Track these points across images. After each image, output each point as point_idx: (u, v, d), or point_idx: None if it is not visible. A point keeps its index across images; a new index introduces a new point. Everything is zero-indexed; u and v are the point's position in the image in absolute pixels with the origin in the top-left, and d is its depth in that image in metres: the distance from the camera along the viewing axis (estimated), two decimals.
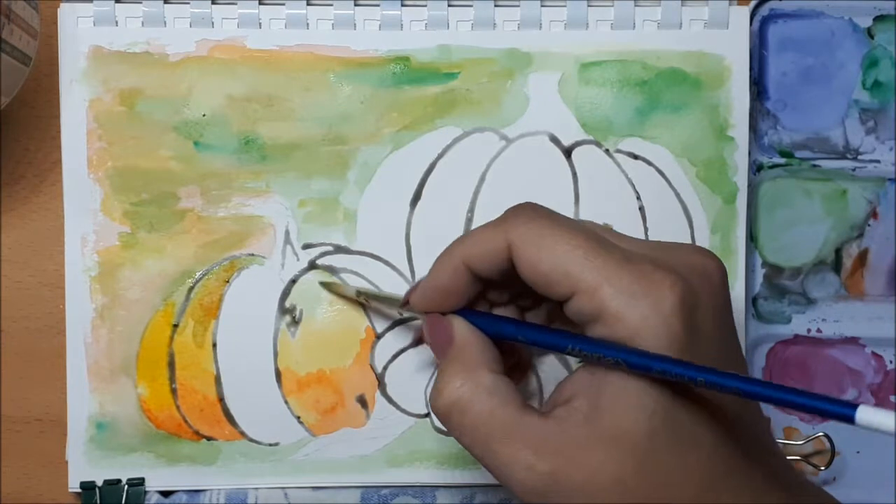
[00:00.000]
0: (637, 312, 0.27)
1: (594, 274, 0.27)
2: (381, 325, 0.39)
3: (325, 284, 0.39)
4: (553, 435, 0.27)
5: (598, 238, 0.28)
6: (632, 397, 0.27)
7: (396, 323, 0.39)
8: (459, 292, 0.31)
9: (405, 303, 0.33)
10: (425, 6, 0.39)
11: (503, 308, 0.33)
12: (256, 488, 0.39)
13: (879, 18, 0.40)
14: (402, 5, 0.39)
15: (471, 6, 0.39)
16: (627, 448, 0.27)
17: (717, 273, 0.29)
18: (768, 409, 0.41)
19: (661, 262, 0.28)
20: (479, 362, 0.30)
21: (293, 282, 0.39)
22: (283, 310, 0.39)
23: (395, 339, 0.39)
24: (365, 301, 0.38)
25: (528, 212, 0.29)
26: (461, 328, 0.31)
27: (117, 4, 0.38)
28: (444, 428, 0.39)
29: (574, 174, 0.39)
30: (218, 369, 0.39)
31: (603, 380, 0.27)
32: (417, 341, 0.38)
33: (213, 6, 0.38)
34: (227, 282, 0.39)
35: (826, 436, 0.40)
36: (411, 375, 0.39)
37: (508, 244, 0.29)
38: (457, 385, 0.29)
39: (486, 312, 0.32)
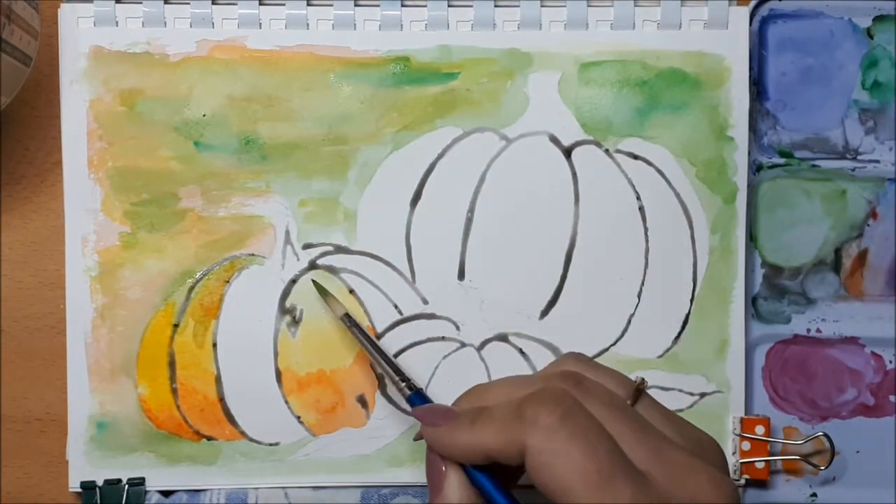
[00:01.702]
0: None
1: (601, 496, 0.27)
2: (381, 325, 0.39)
3: (318, 286, 0.38)
4: None
5: (614, 460, 0.27)
6: None
7: (397, 323, 0.39)
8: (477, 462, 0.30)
9: (409, 402, 0.34)
10: (425, 6, 0.39)
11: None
12: (257, 488, 0.39)
13: (879, 18, 0.41)
14: (402, 5, 0.39)
15: (471, 6, 0.39)
16: None
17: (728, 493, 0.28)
18: (768, 409, 0.41)
19: (685, 486, 0.27)
20: None
21: (293, 282, 0.39)
22: (284, 310, 0.39)
23: (396, 339, 0.39)
24: (346, 325, 0.37)
25: (547, 415, 0.28)
26: (453, 486, 0.31)
27: (117, 5, 0.38)
28: None
29: (574, 174, 0.39)
30: (218, 369, 0.39)
31: None
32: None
33: (214, 6, 0.38)
34: (228, 282, 0.39)
35: (826, 436, 0.40)
36: (411, 375, 0.39)
37: (520, 449, 0.28)
38: None
39: (487, 476, 0.31)
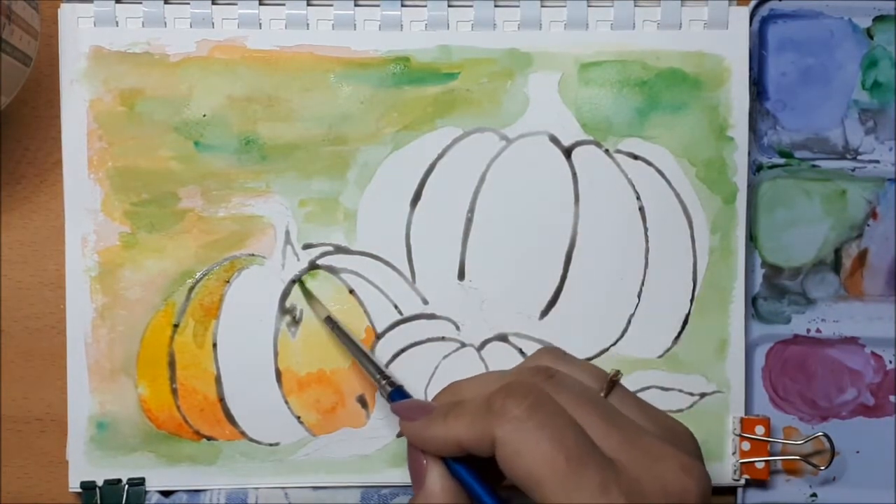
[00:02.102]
0: None
1: (568, 488, 0.27)
2: (381, 325, 0.39)
3: (303, 288, 0.39)
4: None
5: (582, 448, 0.27)
6: None
7: (397, 323, 0.39)
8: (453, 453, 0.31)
9: (390, 399, 0.34)
10: (425, 6, 0.39)
11: None
12: (257, 488, 0.39)
13: (879, 19, 0.41)
14: (402, 5, 0.39)
15: (471, 6, 0.39)
16: None
17: (696, 499, 0.28)
18: (768, 409, 0.41)
19: (639, 493, 0.27)
20: None
21: (293, 282, 0.39)
22: (284, 310, 0.39)
23: (396, 339, 0.39)
24: (329, 327, 0.38)
25: (519, 401, 0.28)
26: (434, 478, 0.31)
27: (118, 5, 0.38)
28: None
29: (574, 174, 0.39)
30: (218, 369, 0.39)
31: None
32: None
33: (214, 6, 0.38)
34: (228, 282, 0.39)
35: (826, 436, 0.40)
36: (411, 375, 0.39)
37: (491, 441, 0.28)
38: None
39: (466, 468, 0.31)
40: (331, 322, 0.38)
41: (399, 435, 0.33)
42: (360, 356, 0.37)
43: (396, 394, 0.34)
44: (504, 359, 0.39)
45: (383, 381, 0.35)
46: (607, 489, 0.27)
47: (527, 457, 0.27)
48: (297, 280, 0.39)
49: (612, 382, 0.31)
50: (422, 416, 0.31)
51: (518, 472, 0.28)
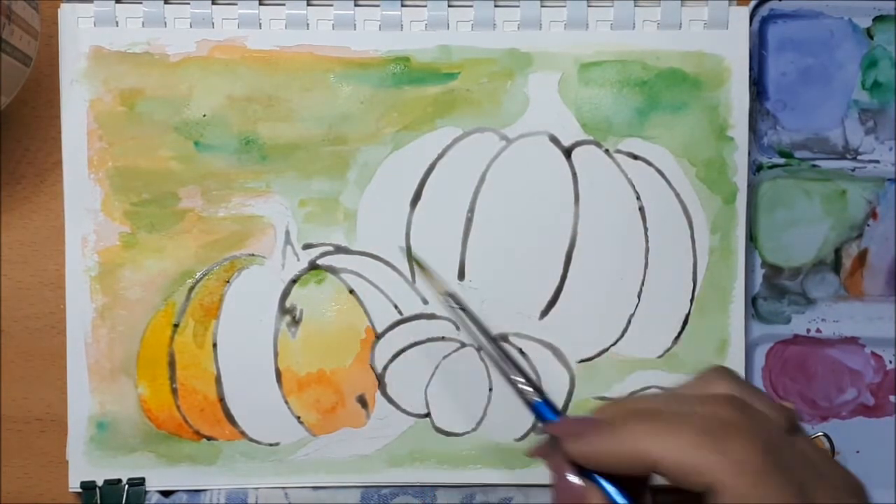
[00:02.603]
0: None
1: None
2: (381, 325, 0.39)
3: (418, 262, 0.38)
4: None
5: None
6: None
7: (397, 323, 0.39)
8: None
9: (536, 409, 0.30)
10: (425, 6, 0.39)
11: None
12: (257, 488, 0.39)
13: (879, 19, 0.41)
14: (402, 5, 0.39)
15: (471, 6, 0.39)
16: None
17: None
18: None
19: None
20: None
21: (293, 282, 0.39)
22: (284, 310, 0.39)
23: (396, 339, 0.39)
24: (450, 304, 0.35)
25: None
26: (596, 498, 0.28)
27: (118, 5, 0.38)
28: (444, 428, 0.39)
29: (574, 174, 0.39)
30: (218, 369, 0.39)
31: None
32: (534, 453, 0.31)
33: (214, 7, 0.38)
34: (228, 282, 0.39)
35: (826, 435, 0.40)
36: (411, 375, 0.39)
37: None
38: None
39: (623, 491, 0.28)
40: (453, 298, 0.35)
41: (533, 454, 0.30)
42: (495, 349, 0.33)
43: (543, 406, 0.31)
44: None
45: (528, 388, 0.31)
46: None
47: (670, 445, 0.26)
48: (414, 258, 0.37)
49: (795, 421, 0.29)
50: (587, 428, 0.28)
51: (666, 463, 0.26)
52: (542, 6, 0.39)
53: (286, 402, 0.39)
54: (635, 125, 0.39)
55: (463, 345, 0.39)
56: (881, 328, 0.41)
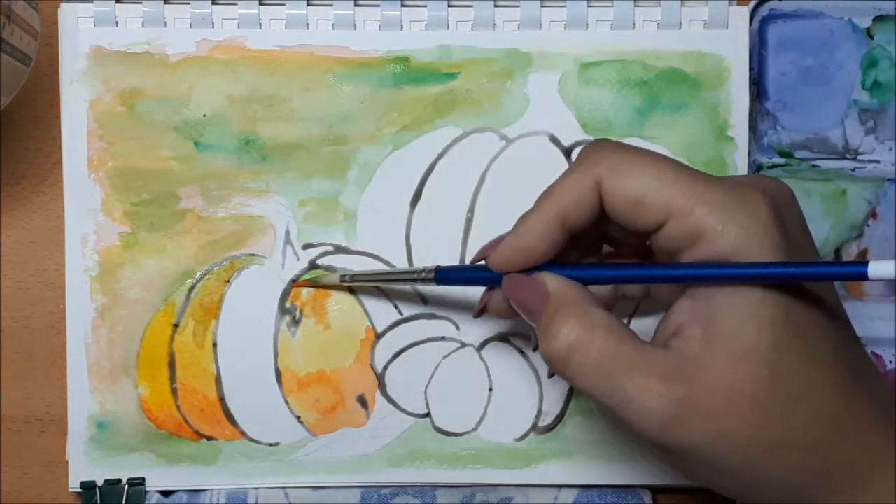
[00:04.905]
0: (736, 225, 0.27)
1: (687, 194, 0.27)
2: (381, 325, 0.39)
3: (310, 283, 0.39)
4: (678, 363, 0.27)
5: (679, 163, 0.28)
6: (748, 312, 0.27)
7: (397, 323, 0.39)
8: (547, 251, 0.30)
9: (478, 259, 0.33)
10: (425, 6, 0.39)
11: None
12: (257, 488, 0.39)
13: (879, 19, 0.41)
14: (402, 5, 0.39)
15: (471, 6, 0.39)
16: (756, 363, 0.26)
17: (789, 191, 0.29)
18: None
19: (743, 181, 0.28)
20: (586, 303, 0.29)
21: (293, 282, 0.39)
22: (284, 310, 0.39)
23: (396, 339, 0.39)
24: (349, 282, 0.38)
25: (608, 146, 0.29)
26: (554, 281, 0.30)
27: (117, 5, 0.38)
28: (444, 428, 0.39)
29: None
30: (218, 369, 0.39)
31: (711, 303, 0.27)
32: (481, 311, 0.35)
33: (214, 6, 0.38)
34: (228, 282, 0.39)
35: None
36: (411, 375, 0.39)
37: (596, 180, 0.29)
38: (570, 327, 0.28)
39: (571, 263, 0.31)
40: (348, 278, 0.38)
41: (479, 313, 0.34)
42: (391, 279, 0.37)
43: (441, 271, 0.34)
44: (504, 359, 0.39)
45: (422, 273, 0.35)
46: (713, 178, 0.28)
47: (636, 175, 0.28)
48: (307, 281, 0.39)
49: None
50: (496, 243, 0.31)
51: (633, 192, 0.28)
52: (542, 6, 0.39)
53: (286, 402, 0.39)
54: (635, 125, 0.39)
55: (463, 345, 0.39)
56: (881, 328, 0.41)
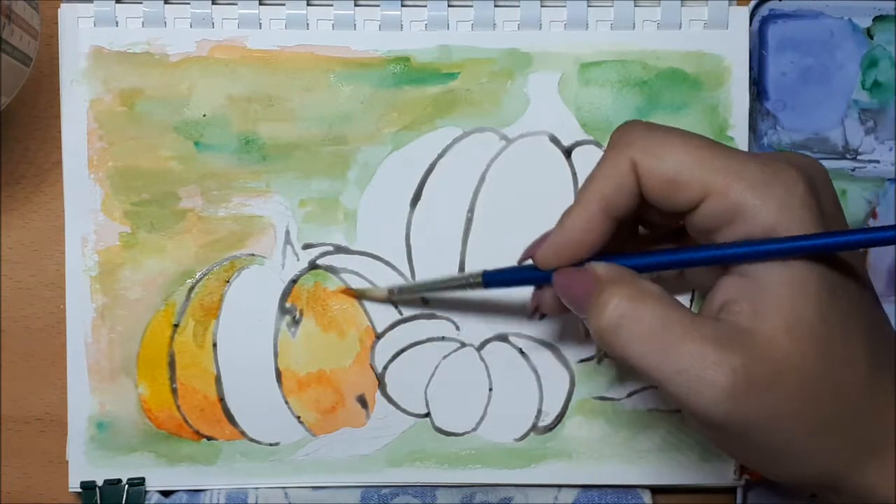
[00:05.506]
0: (775, 201, 0.27)
1: (723, 172, 0.27)
2: (381, 325, 0.39)
3: (356, 293, 0.39)
4: (730, 334, 0.27)
5: (710, 140, 0.28)
6: (795, 286, 0.27)
7: (397, 323, 0.39)
8: (594, 242, 0.30)
9: (524, 258, 0.33)
10: (425, 6, 0.39)
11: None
12: (257, 488, 0.39)
13: (879, 19, 0.41)
14: (402, 5, 0.39)
15: (471, 6, 0.39)
16: (805, 336, 0.26)
17: (822, 167, 0.29)
18: None
19: (776, 156, 0.28)
20: (634, 277, 0.29)
21: (293, 282, 0.39)
22: (284, 310, 0.39)
23: (396, 339, 0.39)
24: (396, 298, 0.38)
25: (640, 127, 0.29)
26: (603, 267, 0.30)
27: (117, 5, 0.38)
28: (444, 428, 0.39)
29: (574, 174, 0.39)
30: (218, 369, 0.39)
31: (756, 279, 0.27)
32: (534, 311, 0.35)
33: (214, 6, 0.38)
34: (228, 282, 0.39)
35: None
36: (411, 375, 0.39)
37: (632, 163, 0.28)
38: (619, 297, 0.28)
39: (620, 254, 0.31)
40: (395, 292, 0.38)
41: (533, 312, 0.34)
42: (438, 288, 0.37)
43: (489, 275, 0.34)
44: (504, 359, 0.39)
45: (471, 280, 0.35)
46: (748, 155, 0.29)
47: (670, 155, 0.28)
48: (353, 291, 0.39)
49: None
50: (541, 241, 0.31)
51: (668, 172, 0.28)
52: (542, 6, 0.39)
53: (286, 402, 0.39)
54: None
55: (463, 345, 0.39)
56: None
